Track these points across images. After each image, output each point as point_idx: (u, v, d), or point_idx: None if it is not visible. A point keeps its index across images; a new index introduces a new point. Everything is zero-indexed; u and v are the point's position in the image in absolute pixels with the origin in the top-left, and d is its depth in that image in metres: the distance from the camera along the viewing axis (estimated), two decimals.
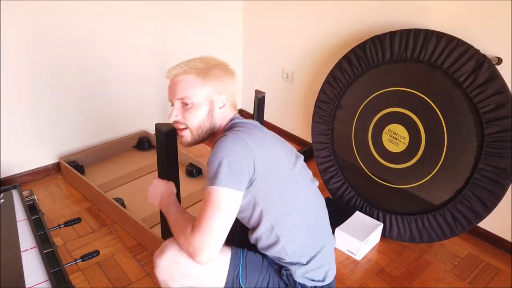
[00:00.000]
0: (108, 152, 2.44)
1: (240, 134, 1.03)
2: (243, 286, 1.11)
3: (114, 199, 1.97)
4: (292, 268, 1.14)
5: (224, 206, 0.98)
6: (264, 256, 1.17)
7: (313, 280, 1.16)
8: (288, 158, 1.12)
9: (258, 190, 1.04)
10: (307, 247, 1.14)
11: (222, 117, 1.15)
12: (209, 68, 1.13)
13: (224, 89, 1.14)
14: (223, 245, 1.01)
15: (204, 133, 1.15)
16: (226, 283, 1.10)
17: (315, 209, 1.21)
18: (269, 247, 1.12)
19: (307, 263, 1.14)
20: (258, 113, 1.85)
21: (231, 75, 1.17)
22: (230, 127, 1.12)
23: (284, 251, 1.12)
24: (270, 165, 1.04)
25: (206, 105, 1.12)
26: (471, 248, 1.90)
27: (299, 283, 1.15)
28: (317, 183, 1.25)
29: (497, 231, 1.89)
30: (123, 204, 2.02)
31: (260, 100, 1.84)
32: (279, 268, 1.16)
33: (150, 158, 2.50)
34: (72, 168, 2.18)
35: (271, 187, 1.06)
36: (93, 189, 2.02)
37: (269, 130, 1.18)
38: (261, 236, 1.11)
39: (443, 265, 1.80)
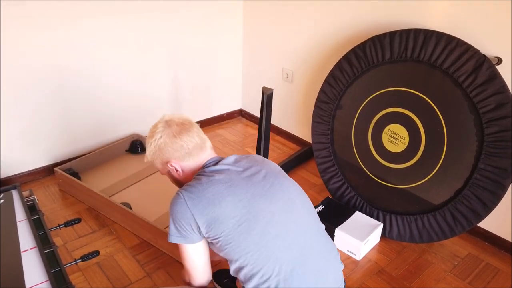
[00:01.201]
0: (102, 157, 2.40)
1: (182, 194, 1.13)
2: None
3: (121, 203, 1.95)
4: None
5: (185, 256, 1.19)
6: None
7: None
8: (234, 208, 1.12)
9: (212, 241, 1.14)
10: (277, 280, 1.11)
11: (186, 175, 1.26)
12: (150, 147, 1.24)
13: (168, 156, 1.23)
14: None
15: (184, 183, 1.27)
16: None
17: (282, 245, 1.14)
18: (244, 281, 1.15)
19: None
20: (266, 110, 1.91)
21: (173, 138, 1.21)
22: (198, 174, 1.22)
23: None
24: (213, 222, 1.11)
25: (169, 173, 1.30)
26: (471, 248, 1.90)
27: None
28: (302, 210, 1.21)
29: (497, 231, 1.89)
30: (130, 209, 1.99)
31: (268, 97, 1.89)
32: None
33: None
34: (69, 175, 2.12)
35: (222, 242, 1.12)
36: (97, 195, 1.98)
37: (242, 165, 1.21)
38: (234, 274, 1.17)
39: (443, 265, 1.80)
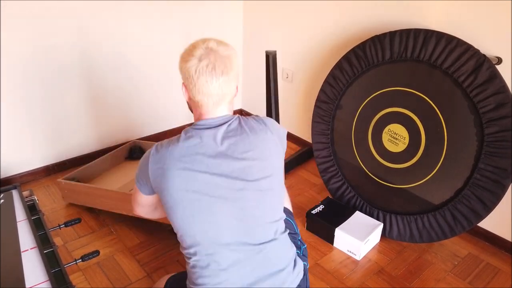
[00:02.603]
0: (102, 166, 2.33)
1: (152, 152, 1.10)
2: None
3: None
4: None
5: (136, 200, 1.25)
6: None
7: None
8: (181, 191, 1.06)
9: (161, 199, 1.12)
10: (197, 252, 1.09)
11: (192, 108, 1.18)
12: (181, 57, 1.16)
13: (185, 79, 1.11)
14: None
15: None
16: None
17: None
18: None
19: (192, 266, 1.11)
20: (273, 71, 1.98)
21: (196, 70, 1.07)
22: (190, 127, 1.14)
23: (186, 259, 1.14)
24: (161, 190, 1.08)
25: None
26: (471, 248, 1.90)
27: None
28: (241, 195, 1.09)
29: (497, 231, 1.89)
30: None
31: (273, 58, 1.98)
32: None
33: None
34: (72, 182, 2.04)
35: (166, 205, 1.09)
36: (115, 193, 1.91)
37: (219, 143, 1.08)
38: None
39: (443, 265, 1.80)
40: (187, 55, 1.11)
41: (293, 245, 1.22)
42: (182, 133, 1.11)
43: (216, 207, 1.06)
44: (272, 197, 1.13)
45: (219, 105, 1.11)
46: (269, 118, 1.18)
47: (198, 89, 1.08)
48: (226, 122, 1.11)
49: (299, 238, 1.35)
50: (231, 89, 1.11)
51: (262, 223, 1.11)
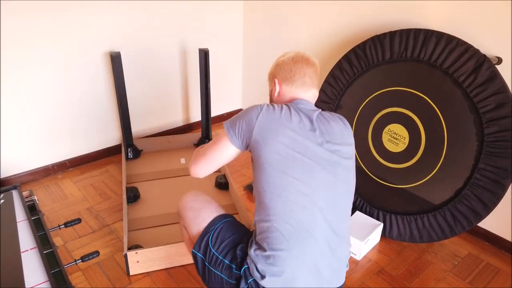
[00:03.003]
0: (168, 144, 2.62)
1: (263, 107, 1.18)
2: (210, 242, 1.25)
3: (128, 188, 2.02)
4: (254, 247, 1.16)
5: (213, 146, 1.25)
6: (242, 231, 1.28)
7: (262, 275, 1.12)
8: (287, 150, 1.13)
9: (253, 158, 1.18)
10: (275, 237, 1.12)
11: (280, 99, 1.32)
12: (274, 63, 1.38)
13: (276, 73, 1.32)
14: (216, 208, 1.32)
15: None
16: (199, 237, 1.27)
17: (306, 207, 1.13)
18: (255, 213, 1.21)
19: (267, 256, 1.12)
20: (205, 68, 2.33)
21: (289, 61, 1.30)
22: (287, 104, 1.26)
23: (256, 226, 1.18)
24: (263, 144, 1.13)
25: (270, 91, 1.37)
26: (471, 248, 1.90)
27: (246, 267, 1.16)
28: (342, 182, 1.18)
29: (497, 231, 1.89)
30: (136, 194, 2.09)
31: (206, 54, 2.31)
32: (241, 243, 1.22)
33: (145, 167, 2.51)
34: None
35: (260, 163, 1.14)
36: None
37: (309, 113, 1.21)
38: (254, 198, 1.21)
39: (443, 265, 1.80)
40: (280, 57, 1.33)
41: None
42: (285, 106, 1.20)
43: (316, 171, 1.13)
44: (353, 178, 1.23)
45: (309, 90, 1.29)
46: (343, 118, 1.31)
47: (295, 73, 1.27)
48: (317, 110, 1.25)
49: None
50: (315, 82, 1.30)
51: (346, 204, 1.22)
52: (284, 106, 1.19)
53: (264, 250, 1.13)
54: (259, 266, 1.12)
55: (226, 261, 1.20)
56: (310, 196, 1.12)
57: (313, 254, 1.13)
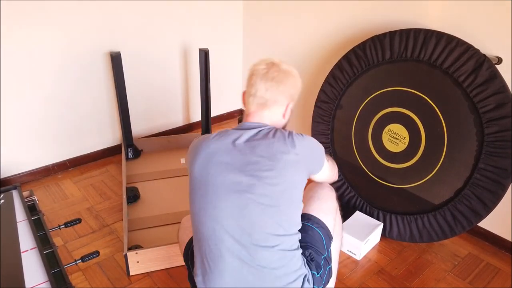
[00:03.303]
0: (168, 144, 2.64)
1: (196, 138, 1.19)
2: (189, 259, 1.29)
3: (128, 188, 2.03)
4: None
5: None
6: None
7: None
8: (200, 175, 1.10)
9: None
10: (199, 258, 1.14)
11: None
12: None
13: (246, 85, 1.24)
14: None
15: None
16: (184, 251, 1.34)
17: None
18: None
19: (197, 274, 1.14)
20: (205, 68, 2.35)
21: (254, 74, 1.22)
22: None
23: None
24: (188, 167, 1.14)
25: None
26: (471, 248, 1.90)
27: None
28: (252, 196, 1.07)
29: (497, 230, 1.89)
30: (136, 194, 2.08)
31: (206, 54, 2.30)
32: None
33: (145, 167, 2.51)
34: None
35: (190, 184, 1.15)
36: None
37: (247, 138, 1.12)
38: None
39: (443, 265, 1.80)
40: (258, 61, 1.25)
41: (301, 267, 1.14)
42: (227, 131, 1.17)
43: (221, 197, 1.08)
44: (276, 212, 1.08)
45: (261, 109, 1.17)
46: (306, 138, 1.16)
47: (249, 89, 1.18)
48: (258, 127, 1.13)
49: (325, 256, 1.25)
50: (277, 99, 1.16)
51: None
52: (226, 131, 1.14)
53: (195, 267, 1.15)
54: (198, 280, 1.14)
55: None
56: (216, 217, 1.07)
57: (229, 271, 1.08)
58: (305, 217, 1.28)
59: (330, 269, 1.27)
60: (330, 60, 2.34)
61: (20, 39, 1.99)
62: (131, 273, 1.68)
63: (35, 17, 2.00)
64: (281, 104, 1.19)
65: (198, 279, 1.13)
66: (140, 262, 1.66)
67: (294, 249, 1.12)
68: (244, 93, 1.23)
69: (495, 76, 1.58)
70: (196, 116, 2.92)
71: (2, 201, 1.53)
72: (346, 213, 1.94)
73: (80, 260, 1.41)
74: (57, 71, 2.17)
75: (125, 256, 1.63)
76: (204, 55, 2.32)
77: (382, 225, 1.89)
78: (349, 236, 1.80)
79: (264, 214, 1.07)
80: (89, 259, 1.44)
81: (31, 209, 1.56)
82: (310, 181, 1.29)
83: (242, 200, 1.06)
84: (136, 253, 1.64)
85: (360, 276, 1.73)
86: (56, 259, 1.30)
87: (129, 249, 1.68)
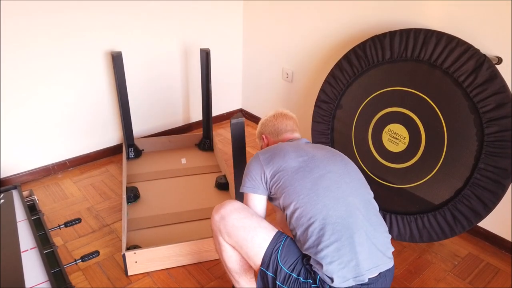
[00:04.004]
0: (169, 144, 2.66)
1: (258, 153, 1.37)
2: (279, 261, 1.22)
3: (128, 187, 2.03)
4: (312, 263, 1.18)
5: (248, 205, 1.34)
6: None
7: (331, 279, 1.14)
8: (295, 160, 1.30)
9: (275, 192, 1.29)
10: (321, 235, 1.17)
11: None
12: (259, 124, 1.69)
13: (263, 130, 1.63)
14: (270, 226, 1.28)
15: None
16: (265, 254, 1.24)
17: (329, 203, 1.21)
18: (295, 238, 1.25)
19: (322, 256, 1.15)
20: (206, 68, 2.36)
21: (272, 118, 1.62)
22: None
23: (301, 240, 1.21)
24: (277, 172, 1.29)
25: (261, 144, 1.66)
26: (471, 248, 1.90)
27: (318, 277, 1.18)
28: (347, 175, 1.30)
29: (497, 230, 1.89)
30: (136, 194, 2.08)
31: (207, 54, 2.32)
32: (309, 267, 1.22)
33: (146, 167, 2.51)
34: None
35: (282, 187, 1.27)
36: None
37: (297, 142, 1.44)
38: (289, 226, 1.27)
39: (443, 264, 1.80)
40: (263, 118, 1.66)
41: None
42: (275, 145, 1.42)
43: (329, 165, 1.30)
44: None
45: (293, 133, 1.56)
46: None
47: (278, 126, 1.56)
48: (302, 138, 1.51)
49: None
50: (296, 129, 1.59)
51: None
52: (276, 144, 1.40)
53: (317, 253, 1.16)
54: (324, 270, 1.14)
55: (301, 279, 1.20)
56: (335, 187, 1.24)
57: (360, 236, 1.18)
58: None
59: None
60: (330, 60, 2.34)
61: (20, 39, 1.99)
62: (129, 273, 1.68)
63: (36, 17, 2.00)
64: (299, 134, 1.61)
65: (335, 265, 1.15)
66: (139, 262, 1.66)
67: None
68: (265, 135, 1.61)
69: (495, 76, 1.58)
70: (196, 116, 2.92)
71: (2, 201, 1.53)
72: None
73: (80, 260, 1.41)
74: (57, 71, 2.17)
75: (123, 256, 1.63)
76: (205, 55, 2.32)
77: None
78: None
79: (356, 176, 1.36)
80: (89, 259, 1.44)
81: (31, 209, 1.56)
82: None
83: (343, 167, 1.33)
84: (135, 253, 1.64)
85: None
86: (56, 258, 1.31)
87: (128, 249, 1.68)
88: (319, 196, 1.21)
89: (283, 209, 1.28)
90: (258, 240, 1.24)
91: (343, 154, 1.38)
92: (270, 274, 1.23)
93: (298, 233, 1.22)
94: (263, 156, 1.34)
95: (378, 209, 1.32)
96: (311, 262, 1.19)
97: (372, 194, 1.34)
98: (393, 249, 1.25)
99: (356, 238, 1.17)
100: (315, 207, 1.20)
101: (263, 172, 1.30)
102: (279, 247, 1.23)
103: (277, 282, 1.21)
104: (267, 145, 1.53)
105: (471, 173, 1.67)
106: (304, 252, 1.21)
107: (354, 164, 1.37)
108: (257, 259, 1.25)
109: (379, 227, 1.25)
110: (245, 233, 1.25)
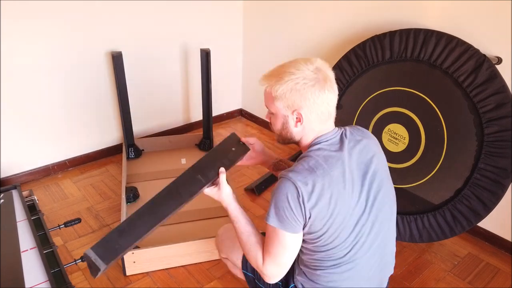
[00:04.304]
0: (169, 144, 2.64)
1: (297, 185, 0.99)
2: None
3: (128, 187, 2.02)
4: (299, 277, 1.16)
5: (277, 243, 1.05)
6: None
7: None
8: (353, 200, 1.04)
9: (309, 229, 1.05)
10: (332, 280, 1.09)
11: (301, 132, 1.11)
12: (281, 84, 1.07)
13: (298, 105, 1.05)
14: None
15: (286, 139, 1.16)
16: (243, 258, 1.30)
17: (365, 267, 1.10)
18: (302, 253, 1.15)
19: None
20: (206, 68, 2.35)
21: (321, 89, 1.04)
22: (311, 147, 1.10)
23: (308, 260, 1.12)
24: (327, 215, 1.01)
25: (281, 119, 1.11)
26: (471, 248, 1.90)
27: (292, 286, 1.17)
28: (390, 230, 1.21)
29: (497, 230, 1.89)
30: (135, 194, 2.08)
31: (207, 54, 2.31)
32: None
33: (146, 167, 2.51)
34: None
35: (318, 228, 1.03)
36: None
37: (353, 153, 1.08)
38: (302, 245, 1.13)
39: (443, 264, 1.80)
40: (294, 69, 1.08)
41: None
42: (315, 163, 1.03)
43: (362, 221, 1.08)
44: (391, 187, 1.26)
45: (330, 119, 1.12)
46: None
47: (322, 101, 1.06)
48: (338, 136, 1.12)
49: None
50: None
51: None
52: (317, 166, 1.02)
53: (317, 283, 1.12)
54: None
55: None
56: (377, 243, 1.12)
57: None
58: None
59: None
60: (330, 60, 2.33)
61: (20, 39, 1.99)
62: (127, 273, 1.68)
63: (36, 16, 2.00)
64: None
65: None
66: (137, 263, 1.66)
67: None
68: (297, 110, 1.08)
69: (495, 76, 1.58)
70: (196, 116, 2.92)
71: (2, 200, 1.53)
72: None
73: (80, 260, 1.41)
74: (57, 71, 2.17)
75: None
76: (206, 55, 2.32)
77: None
78: None
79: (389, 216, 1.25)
80: None
81: (31, 209, 1.56)
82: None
83: (373, 219, 1.12)
84: (133, 253, 1.64)
85: None
86: (56, 258, 1.30)
87: None
88: (363, 247, 1.07)
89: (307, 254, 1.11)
90: (237, 244, 1.25)
91: (384, 168, 1.16)
92: (249, 274, 1.28)
93: (315, 256, 1.09)
94: (307, 196, 0.99)
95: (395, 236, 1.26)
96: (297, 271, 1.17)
97: (394, 225, 1.25)
98: (393, 264, 1.27)
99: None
100: (352, 251, 1.06)
101: (303, 215, 1.01)
102: None
103: (256, 281, 1.27)
104: (300, 134, 1.11)
105: (471, 173, 1.67)
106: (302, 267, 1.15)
107: (391, 186, 1.20)
108: (238, 263, 1.32)
109: (390, 258, 1.24)
110: (228, 242, 1.35)
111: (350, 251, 1.06)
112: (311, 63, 1.07)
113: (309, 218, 1.01)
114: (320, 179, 1.00)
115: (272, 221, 1.03)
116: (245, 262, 1.29)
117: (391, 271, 1.24)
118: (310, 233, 1.04)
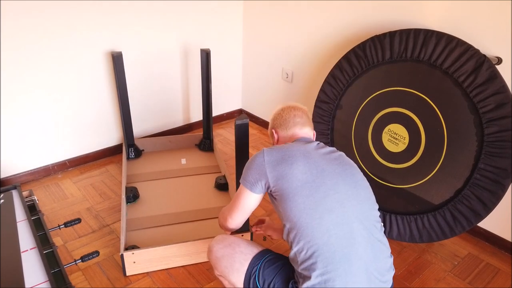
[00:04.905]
0: (169, 144, 2.65)
1: (264, 150, 1.28)
2: (258, 284, 1.24)
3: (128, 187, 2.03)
4: (300, 280, 1.15)
5: (239, 199, 1.32)
6: (284, 263, 1.27)
7: None
8: (302, 173, 1.20)
9: (276, 196, 1.23)
10: (317, 262, 1.12)
11: (280, 143, 1.46)
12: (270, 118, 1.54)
13: (273, 125, 1.48)
14: (249, 248, 1.32)
15: None
16: (244, 279, 1.27)
17: (337, 227, 1.15)
18: (289, 250, 1.20)
19: (313, 278, 1.12)
20: (206, 68, 2.37)
21: (280, 111, 1.48)
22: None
23: (295, 259, 1.17)
24: (280, 179, 1.21)
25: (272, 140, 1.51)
26: (471, 248, 1.90)
27: None
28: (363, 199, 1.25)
29: (497, 231, 1.89)
30: (135, 194, 2.08)
31: (207, 54, 2.32)
32: (290, 278, 1.21)
33: (146, 167, 2.50)
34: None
35: (283, 198, 1.20)
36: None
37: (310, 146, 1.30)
38: (285, 237, 1.22)
39: (443, 265, 1.80)
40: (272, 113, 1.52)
41: None
42: (285, 144, 1.35)
43: (337, 185, 1.22)
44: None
45: (302, 128, 1.43)
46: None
47: (286, 118, 1.44)
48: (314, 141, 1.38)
49: None
50: (306, 122, 1.46)
51: None
52: (286, 144, 1.32)
53: (310, 277, 1.12)
54: None
55: None
56: (340, 211, 1.16)
57: (359, 267, 1.13)
58: None
59: None
60: (330, 60, 2.34)
61: (20, 39, 1.99)
62: (127, 274, 1.68)
63: (36, 16, 2.00)
64: (311, 126, 1.49)
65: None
66: (137, 263, 1.66)
67: None
68: (274, 130, 1.48)
69: (495, 76, 1.58)
70: (196, 116, 2.92)
71: (2, 201, 1.53)
72: None
73: (80, 260, 1.41)
74: (58, 71, 2.17)
75: (121, 256, 1.63)
76: (206, 55, 2.32)
77: (382, 225, 1.89)
78: None
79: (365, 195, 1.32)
80: (89, 259, 1.43)
81: (31, 209, 1.56)
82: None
83: (352, 186, 1.25)
84: (133, 253, 1.64)
85: None
86: (56, 259, 1.30)
87: (126, 249, 1.68)
88: (322, 219, 1.14)
89: (281, 219, 1.22)
90: (236, 265, 1.28)
91: (354, 166, 1.29)
92: None
93: (294, 250, 1.17)
94: (268, 158, 1.24)
95: (383, 230, 1.27)
96: (297, 274, 1.18)
97: (378, 213, 1.28)
98: (393, 272, 1.23)
99: (354, 269, 1.12)
100: (317, 231, 1.13)
101: (266, 177, 1.22)
102: (256, 270, 1.25)
103: None
104: (279, 141, 1.44)
105: (471, 173, 1.67)
106: (295, 267, 1.18)
107: (364, 178, 1.29)
108: (239, 285, 1.29)
109: (381, 254, 1.20)
110: (225, 261, 1.32)
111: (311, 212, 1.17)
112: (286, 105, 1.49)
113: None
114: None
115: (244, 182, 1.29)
116: (246, 284, 1.27)
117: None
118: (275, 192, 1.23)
